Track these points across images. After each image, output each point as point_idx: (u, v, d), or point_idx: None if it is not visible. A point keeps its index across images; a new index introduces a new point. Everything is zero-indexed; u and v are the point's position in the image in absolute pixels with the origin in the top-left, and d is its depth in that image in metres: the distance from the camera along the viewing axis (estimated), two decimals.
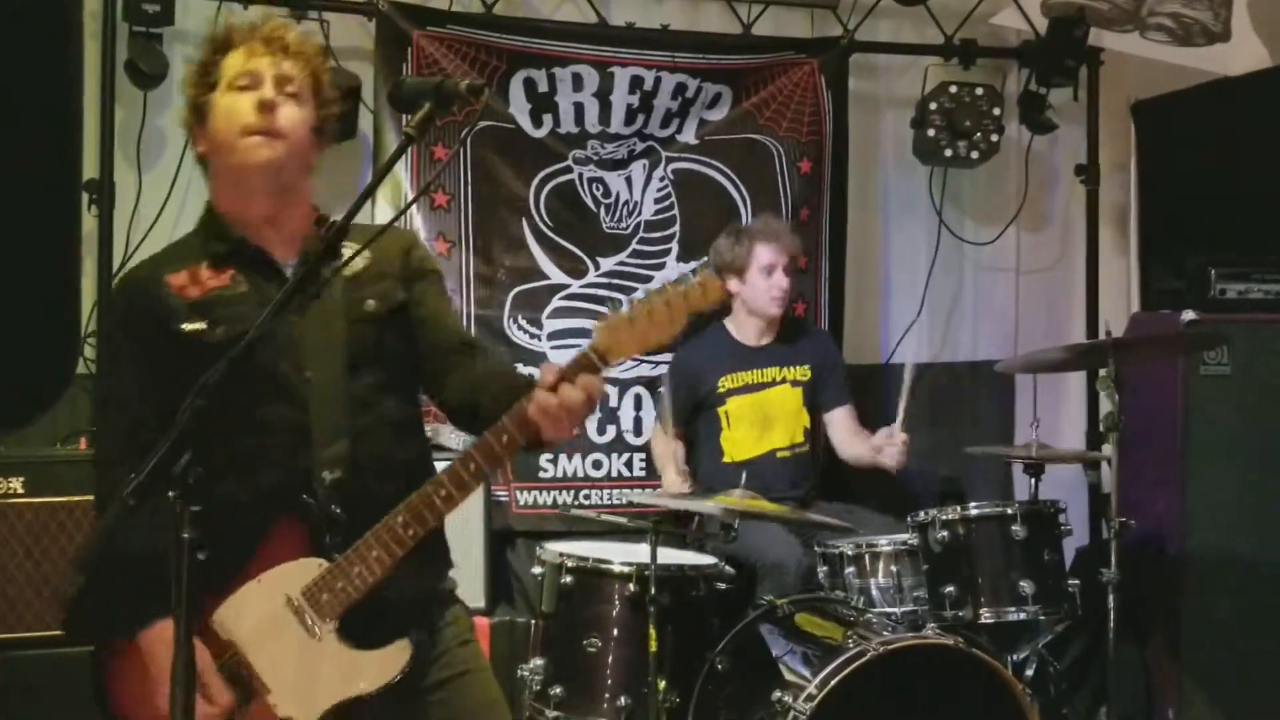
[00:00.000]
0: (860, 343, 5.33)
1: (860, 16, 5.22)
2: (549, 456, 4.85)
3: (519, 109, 4.82)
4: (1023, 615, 3.79)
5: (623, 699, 3.52)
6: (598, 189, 4.94)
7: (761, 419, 4.51)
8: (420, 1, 4.77)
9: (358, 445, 2.32)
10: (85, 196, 4.34)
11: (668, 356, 4.77)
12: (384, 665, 2.26)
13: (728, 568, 3.78)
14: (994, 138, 5.21)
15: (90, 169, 4.36)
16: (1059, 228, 5.67)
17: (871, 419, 4.66)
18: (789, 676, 3.42)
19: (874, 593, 3.90)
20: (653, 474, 4.84)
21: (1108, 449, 3.93)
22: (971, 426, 5.47)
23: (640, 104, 4.90)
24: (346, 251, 2.19)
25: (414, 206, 4.68)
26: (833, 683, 3.24)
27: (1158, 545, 4.49)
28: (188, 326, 2.30)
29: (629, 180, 4.97)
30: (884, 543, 3.92)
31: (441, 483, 2.20)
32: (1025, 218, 5.53)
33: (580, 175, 4.92)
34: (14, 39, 2.46)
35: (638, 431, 4.94)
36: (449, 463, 2.24)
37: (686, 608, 3.61)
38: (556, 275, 4.89)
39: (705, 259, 4.75)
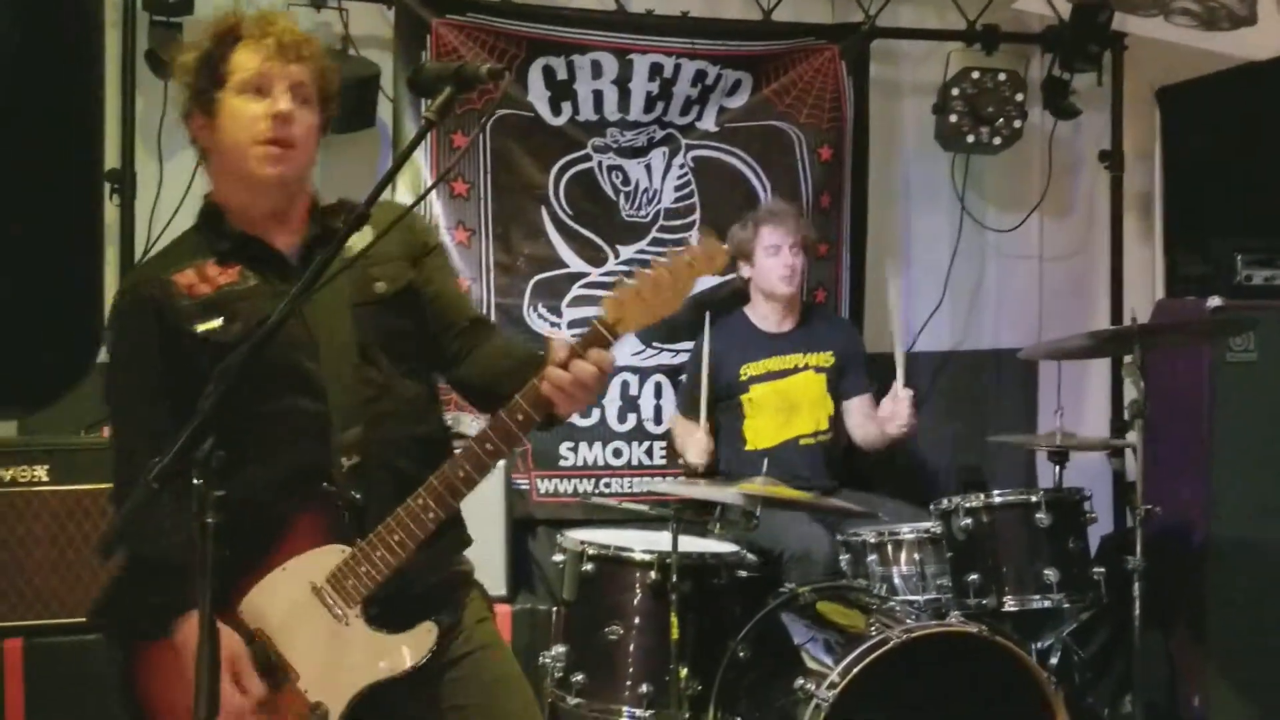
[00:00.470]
0: (881, 331, 5.30)
1: (881, 2, 5.19)
2: (569, 445, 4.85)
3: (538, 97, 4.81)
4: (1047, 603, 3.77)
5: (644, 686, 3.52)
6: (617, 177, 4.93)
7: (785, 406, 4.50)
8: None
9: (374, 429, 2.32)
10: (107, 186, 4.35)
11: (688, 345, 4.78)
12: (412, 647, 2.27)
13: (749, 555, 3.77)
14: (1017, 124, 5.18)
15: (111, 159, 4.38)
16: (1083, 214, 5.63)
17: None
18: (811, 664, 3.41)
19: (897, 580, 3.89)
20: (673, 461, 4.83)
21: (1132, 436, 3.90)
22: (995, 414, 5.44)
23: (660, 91, 4.88)
24: (356, 237, 2.17)
25: (433, 194, 4.68)
26: (855, 670, 3.23)
27: (1183, 533, 4.47)
28: (201, 326, 2.29)
29: (648, 168, 4.96)
30: (907, 530, 3.91)
31: (460, 464, 2.22)
32: (1049, 204, 5.49)
33: (599, 163, 4.91)
34: (35, 28, 2.46)
35: (658, 420, 4.93)
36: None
37: (708, 595, 3.60)
38: (576, 263, 4.88)
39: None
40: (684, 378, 4.72)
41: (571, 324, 4.82)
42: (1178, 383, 4.48)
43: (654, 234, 4.96)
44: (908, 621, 3.41)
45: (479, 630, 2.46)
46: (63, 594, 3.73)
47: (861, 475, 4.73)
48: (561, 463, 4.87)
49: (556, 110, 4.85)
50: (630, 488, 4.88)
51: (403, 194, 4.54)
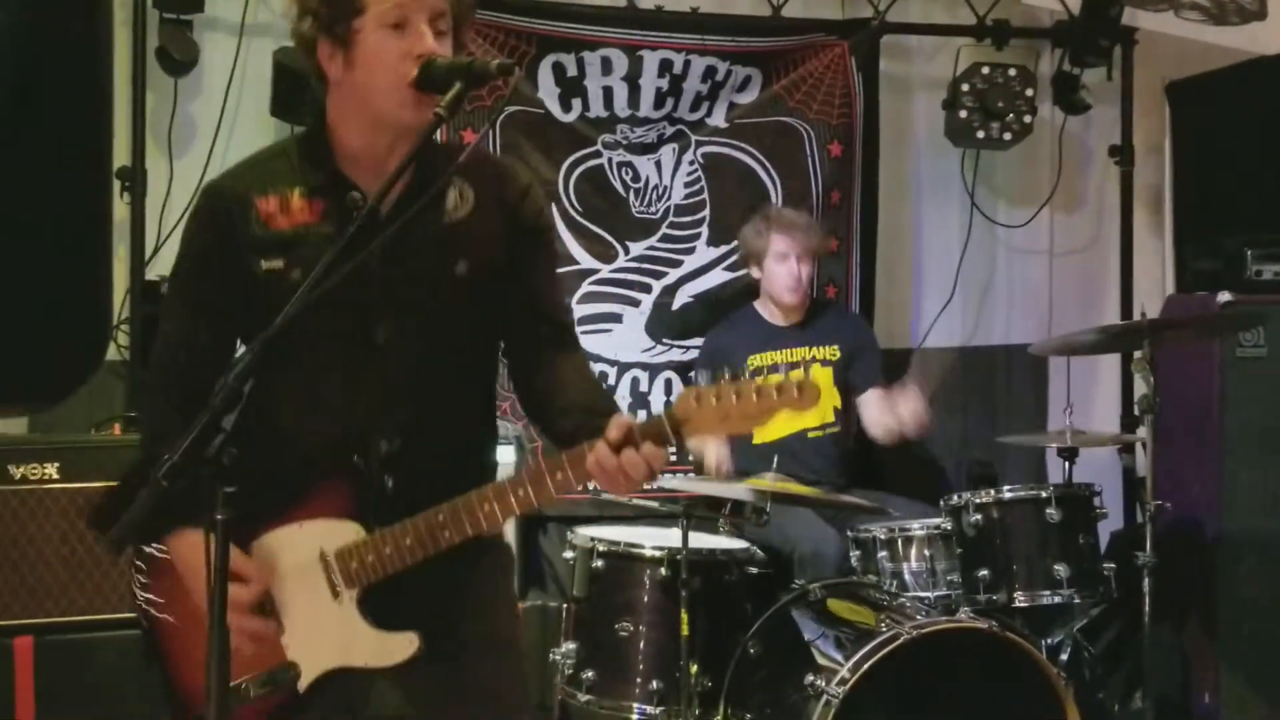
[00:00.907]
0: (892, 326, 5.31)
1: None
2: None
3: (548, 93, 4.81)
4: (1057, 599, 3.78)
5: (654, 683, 3.52)
6: (627, 173, 4.93)
7: None
8: None
9: (422, 418, 2.23)
10: (117, 184, 4.35)
11: (698, 341, 4.78)
12: (388, 649, 2.22)
13: (759, 552, 3.77)
14: (1027, 119, 5.17)
15: (121, 156, 4.37)
16: (1093, 209, 5.62)
17: None
18: (821, 660, 3.41)
19: (907, 577, 3.89)
20: (683, 458, 4.82)
21: (1143, 432, 3.90)
22: (1005, 410, 5.44)
23: (669, 87, 4.88)
24: (456, 202, 2.08)
25: None
26: (866, 666, 3.23)
27: (1193, 528, 4.45)
28: (265, 264, 2.19)
29: (658, 164, 4.96)
30: (917, 526, 3.91)
31: (488, 497, 2.12)
32: (1059, 199, 5.49)
33: (609, 160, 4.91)
34: (45, 27, 2.46)
35: None
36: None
37: (718, 592, 3.61)
38: (586, 260, 4.88)
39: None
40: (694, 374, 4.72)
41: (581, 320, 4.81)
42: (1188, 378, 4.47)
43: (664, 230, 4.96)
44: (918, 618, 3.41)
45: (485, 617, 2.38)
46: (73, 591, 3.73)
47: (872, 473, 4.73)
48: None
49: (566, 107, 4.84)
50: None
51: None
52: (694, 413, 1.96)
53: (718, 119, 4.99)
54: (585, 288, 4.88)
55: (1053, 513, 3.77)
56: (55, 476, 3.74)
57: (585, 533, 3.77)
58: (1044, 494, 3.83)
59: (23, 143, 2.06)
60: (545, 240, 2.36)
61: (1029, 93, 5.16)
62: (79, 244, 2.10)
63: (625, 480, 2.02)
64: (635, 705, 3.54)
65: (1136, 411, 3.90)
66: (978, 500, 3.83)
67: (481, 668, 2.33)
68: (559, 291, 2.43)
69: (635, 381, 4.91)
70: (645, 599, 3.60)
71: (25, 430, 4.12)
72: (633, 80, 4.85)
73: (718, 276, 4.98)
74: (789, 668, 3.44)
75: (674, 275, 4.97)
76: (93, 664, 3.71)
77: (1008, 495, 3.86)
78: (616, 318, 4.89)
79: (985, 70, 5.13)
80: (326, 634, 2.22)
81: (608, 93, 4.86)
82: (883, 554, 3.91)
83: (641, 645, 3.58)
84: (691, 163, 4.97)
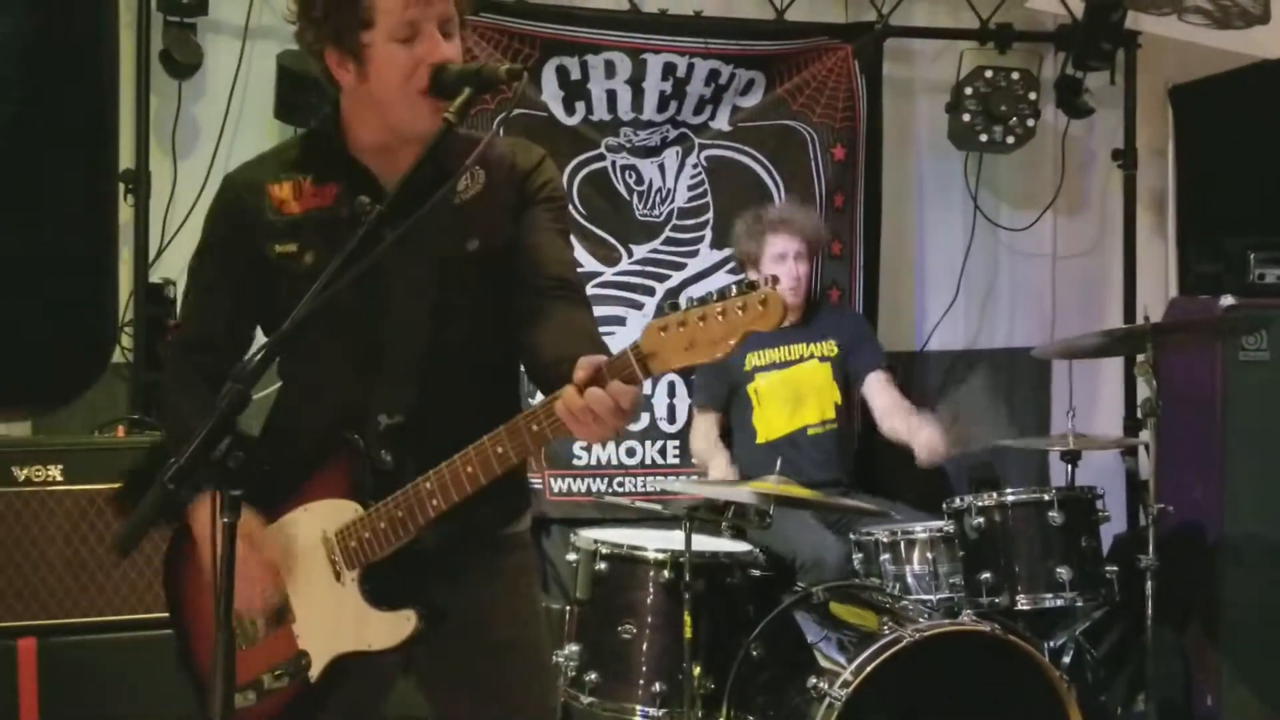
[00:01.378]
0: (895, 329, 5.31)
1: (895, 1, 5.19)
2: (582, 444, 4.85)
3: (551, 97, 4.82)
4: (1060, 602, 3.77)
5: (657, 685, 3.52)
6: (630, 176, 4.94)
7: (792, 395, 4.49)
8: None
9: (427, 394, 2.22)
10: (121, 187, 4.36)
11: None
12: (390, 629, 2.19)
13: (762, 554, 3.77)
14: (1030, 122, 5.18)
15: (126, 159, 4.38)
16: (1096, 213, 5.62)
17: None
18: (824, 663, 3.41)
19: (909, 580, 3.89)
20: (686, 461, 4.84)
21: (1145, 435, 3.91)
22: (1007, 413, 5.43)
23: (673, 91, 4.88)
24: (466, 180, 2.07)
25: None
26: (868, 669, 3.23)
27: (1196, 531, 4.46)
28: (279, 248, 2.22)
29: (662, 167, 4.97)
30: (919, 529, 3.91)
31: (470, 459, 2.05)
32: (1062, 203, 5.49)
33: (613, 163, 4.92)
34: (51, 31, 2.47)
35: (671, 419, 4.94)
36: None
37: (721, 594, 3.61)
38: (589, 263, 4.88)
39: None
40: (696, 375, 4.72)
41: None
42: (1191, 381, 4.47)
43: (667, 233, 4.97)
44: (920, 621, 3.41)
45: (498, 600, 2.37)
46: (76, 594, 3.74)
47: (874, 477, 4.73)
48: (575, 461, 4.87)
49: (570, 110, 4.85)
50: (643, 487, 4.88)
51: None
52: (660, 343, 1.87)
53: (721, 122, 5.00)
54: (589, 290, 4.83)
55: (1055, 516, 3.77)
56: (59, 478, 3.74)
57: (588, 535, 3.77)
58: (1046, 497, 3.83)
59: (28, 146, 2.06)
60: (556, 207, 2.31)
61: (1032, 96, 5.16)
62: (84, 246, 2.11)
63: (595, 421, 1.91)
64: (638, 707, 3.54)
65: (1139, 415, 3.92)
66: (980, 503, 3.83)
67: (505, 670, 2.35)
68: (564, 250, 2.33)
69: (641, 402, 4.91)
70: (648, 601, 3.60)
71: (29, 432, 4.13)
72: (636, 83, 4.86)
73: (721, 279, 4.98)
74: (791, 670, 3.45)
75: (677, 278, 4.98)
76: (96, 666, 3.71)
77: (1010, 498, 3.85)
78: (620, 320, 4.90)
79: (988, 74, 5.14)
80: (335, 619, 2.21)
81: (611, 96, 4.87)
82: (885, 557, 3.91)
83: (644, 647, 3.58)
84: (695, 166, 4.98)
